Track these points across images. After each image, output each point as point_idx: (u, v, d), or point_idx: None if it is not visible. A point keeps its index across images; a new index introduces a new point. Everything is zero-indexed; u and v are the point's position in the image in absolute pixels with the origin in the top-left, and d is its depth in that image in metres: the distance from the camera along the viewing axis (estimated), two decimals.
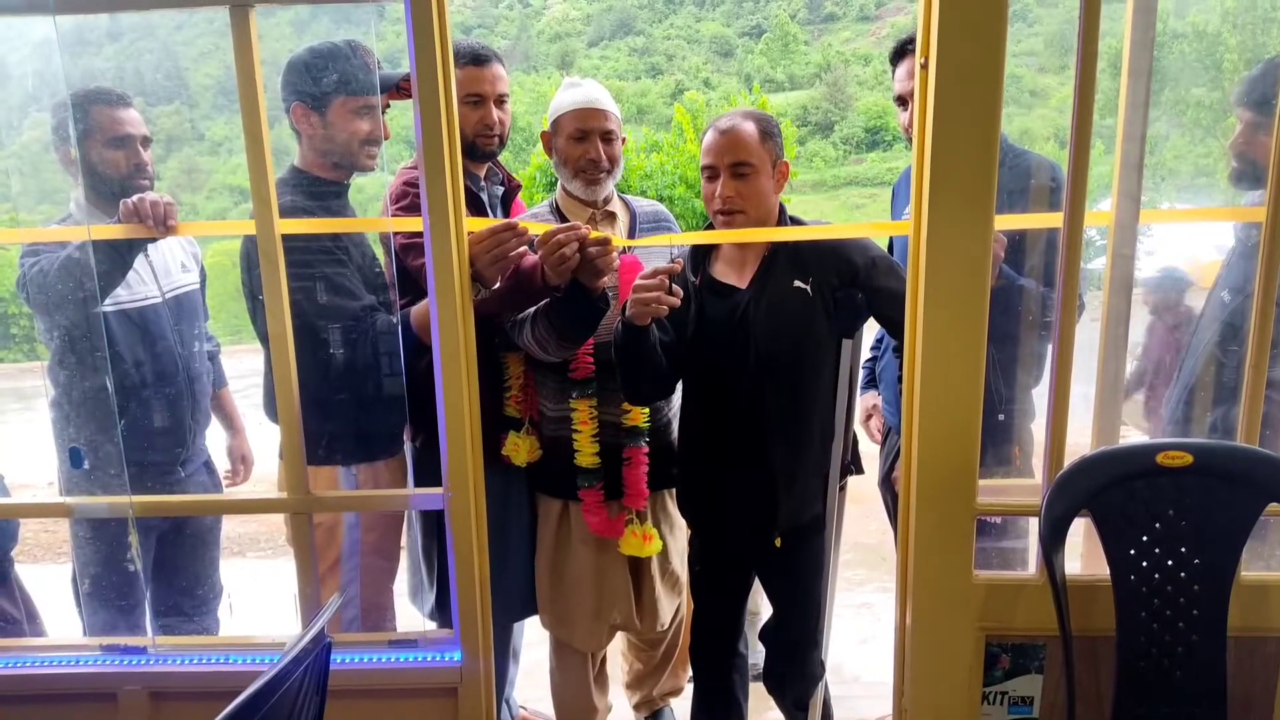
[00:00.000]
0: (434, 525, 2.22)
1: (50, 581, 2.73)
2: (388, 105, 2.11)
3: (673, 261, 1.99)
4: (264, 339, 1.97)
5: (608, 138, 2.21)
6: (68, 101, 2.09)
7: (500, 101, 2.21)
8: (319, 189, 2.07)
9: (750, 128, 1.99)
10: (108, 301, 2.12)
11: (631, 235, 2.28)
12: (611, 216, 2.30)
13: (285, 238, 1.86)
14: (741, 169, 1.98)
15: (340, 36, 2.10)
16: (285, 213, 1.89)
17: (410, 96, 1.83)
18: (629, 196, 2.39)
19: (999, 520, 2.12)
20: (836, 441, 2.07)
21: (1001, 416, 2.14)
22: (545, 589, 2.40)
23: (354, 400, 2.08)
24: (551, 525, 2.36)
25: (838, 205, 36.17)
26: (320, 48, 2.05)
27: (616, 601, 2.36)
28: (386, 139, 2.12)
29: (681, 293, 1.98)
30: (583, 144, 2.20)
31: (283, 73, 2.05)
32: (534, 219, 2.26)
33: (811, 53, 53.20)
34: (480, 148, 2.20)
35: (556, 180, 2.31)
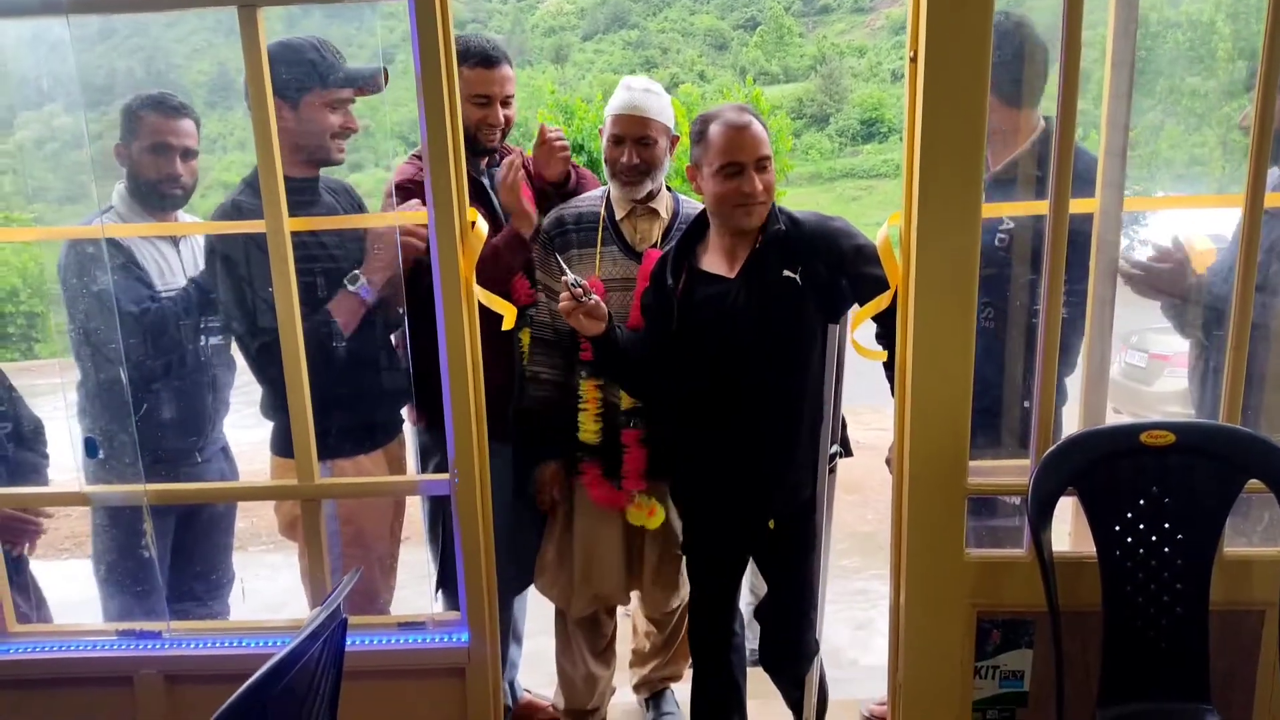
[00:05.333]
0: (436, 510, 2.28)
1: (52, 576, 2.76)
2: (353, 100, 2.16)
3: (573, 286, 2.04)
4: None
5: (644, 142, 2.27)
6: (133, 103, 2.21)
7: (506, 101, 2.29)
8: (289, 186, 2.07)
9: (757, 123, 2.04)
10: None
11: (667, 235, 2.35)
12: (653, 214, 2.37)
13: (248, 236, 1.96)
14: (764, 163, 2.04)
15: (333, 31, 2.16)
16: (256, 213, 1.94)
17: (376, 92, 1.99)
18: (686, 199, 2.45)
19: (1000, 498, 2.17)
20: (825, 424, 2.12)
21: (1027, 404, 2.17)
22: (548, 551, 2.48)
23: (327, 398, 2.12)
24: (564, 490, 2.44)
25: (834, 197, 36.23)
26: (291, 42, 2.10)
27: (605, 572, 2.42)
28: (355, 132, 2.18)
29: (603, 310, 2.07)
30: (618, 148, 2.28)
31: None
32: (581, 203, 2.38)
33: (806, 45, 53.20)
34: (481, 143, 2.27)
35: None
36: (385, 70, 2.10)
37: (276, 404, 2.16)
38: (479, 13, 59.22)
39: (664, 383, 2.20)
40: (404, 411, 2.35)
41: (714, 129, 2.05)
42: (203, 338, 2.41)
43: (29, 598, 2.41)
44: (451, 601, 2.18)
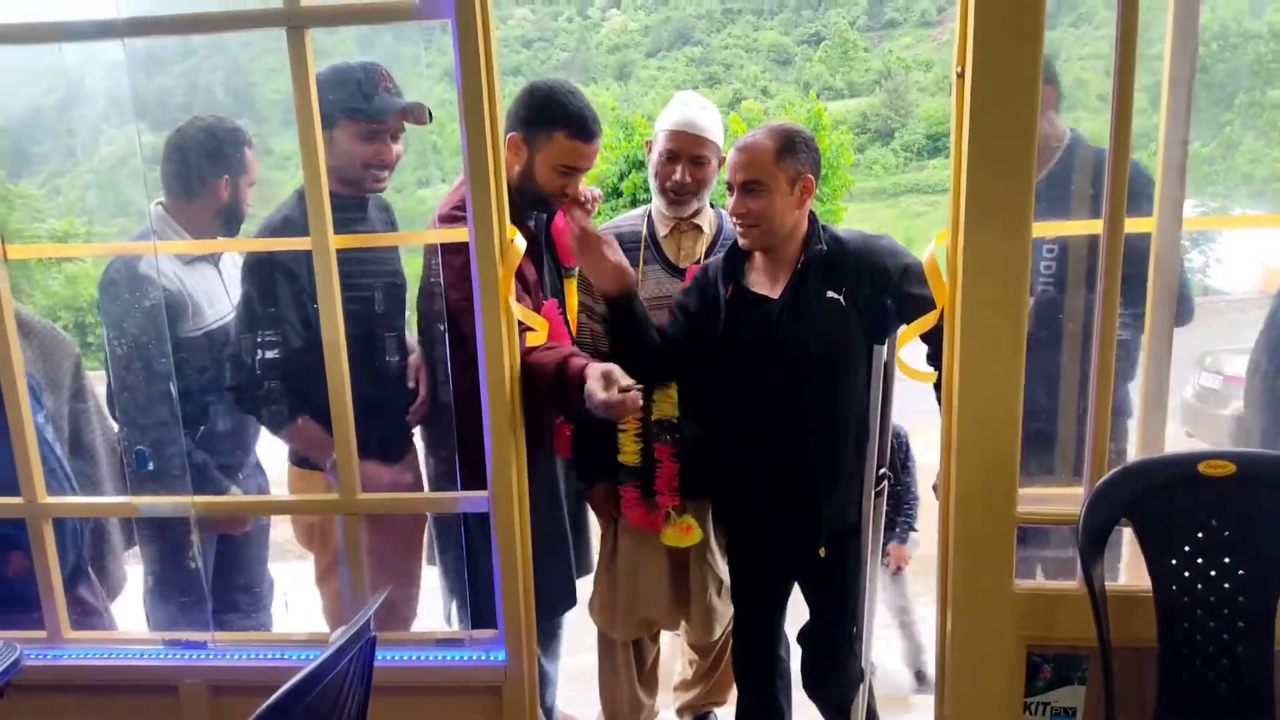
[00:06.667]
0: (453, 531, 2.26)
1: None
2: (402, 129, 2.12)
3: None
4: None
5: (697, 161, 2.25)
6: (236, 137, 2.30)
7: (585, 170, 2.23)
8: (335, 204, 2.01)
9: (767, 146, 2.01)
10: (202, 323, 2.28)
11: (710, 251, 2.34)
12: (696, 230, 2.36)
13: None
14: (752, 186, 2.02)
15: (403, 50, 2.16)
16: (301, 229, 1.95)
17: (420, 124, 2.00)
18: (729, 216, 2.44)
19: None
20: (872, 446, 2.07)
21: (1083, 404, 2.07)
22: (601, 575, 2.49)
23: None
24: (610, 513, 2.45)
25: (898, 213, 35.68)
26: (341, 66, 2.08)
27: (651, 596, 2.41)
28: (391, 164, 2.13)
29: (632, 276, 2.07)
30: (671, 165, 2.26)
31: None
32: (622, 223, 2.39)
33: (871, 59, 52.64)
34: (551, 205, 2.22)
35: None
36: (428, 109, 2.07)
37: (296, 415, 2.18)
38: (545, 31, 59.83)
39: (674, 370, 2.21)
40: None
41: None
42: (260, 351, 2.45)
43: (98, 598, 2.46)
44: (474, 619, 2.17)
